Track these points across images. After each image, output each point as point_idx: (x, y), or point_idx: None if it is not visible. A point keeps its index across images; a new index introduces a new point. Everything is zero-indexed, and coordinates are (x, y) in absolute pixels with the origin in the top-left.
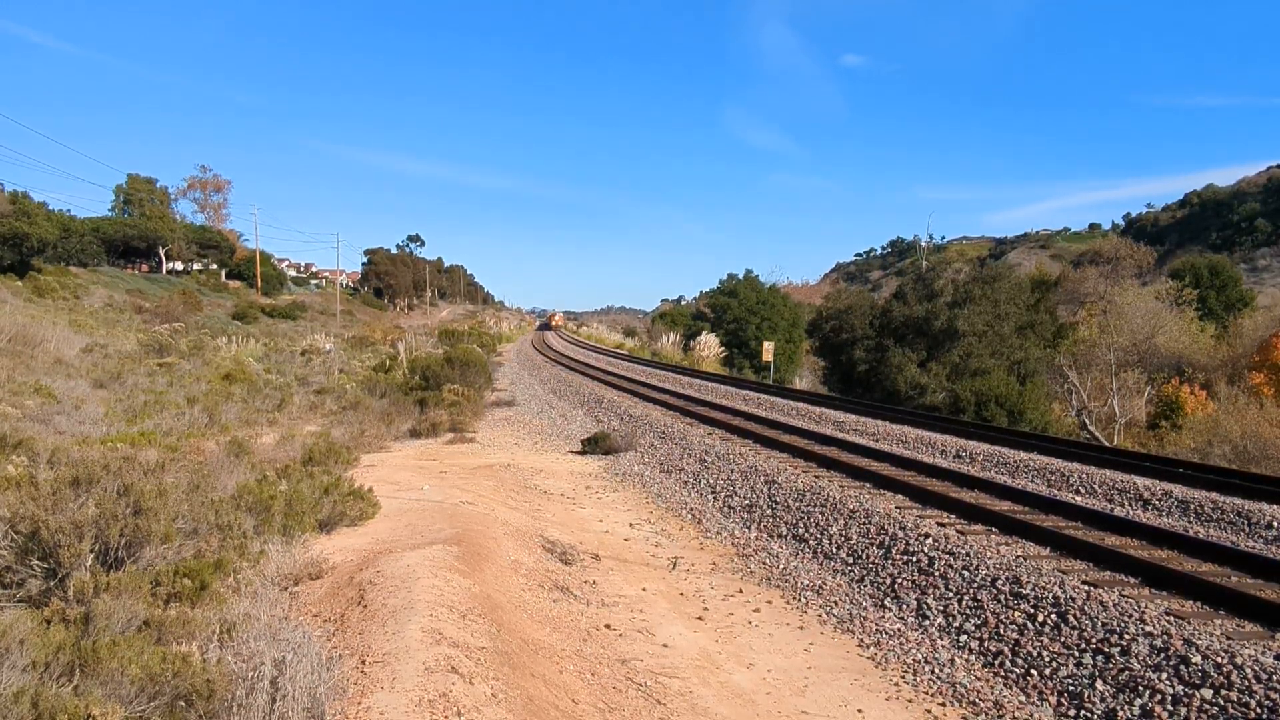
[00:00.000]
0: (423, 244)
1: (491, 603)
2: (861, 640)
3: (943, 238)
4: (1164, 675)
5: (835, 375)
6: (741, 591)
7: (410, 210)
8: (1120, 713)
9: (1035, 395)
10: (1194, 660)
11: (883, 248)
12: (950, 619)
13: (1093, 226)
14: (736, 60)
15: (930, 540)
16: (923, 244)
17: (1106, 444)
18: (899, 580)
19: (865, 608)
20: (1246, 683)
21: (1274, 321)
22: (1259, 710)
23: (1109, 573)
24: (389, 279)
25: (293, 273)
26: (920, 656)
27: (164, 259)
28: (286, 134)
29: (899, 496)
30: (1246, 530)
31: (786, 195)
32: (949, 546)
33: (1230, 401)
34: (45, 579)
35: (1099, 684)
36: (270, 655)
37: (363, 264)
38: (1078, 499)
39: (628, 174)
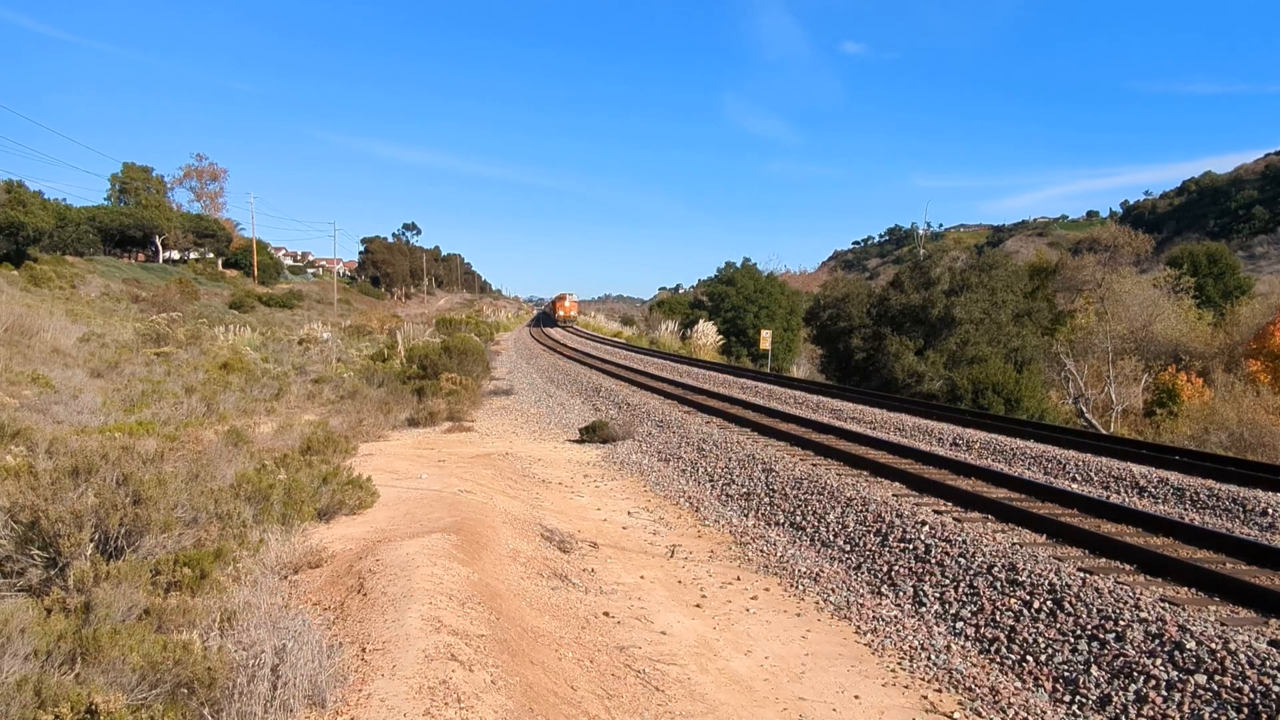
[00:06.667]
0: (419, 232)
1: (490, 591)
2: (859, 627)
3: (940, 226)
4: (1159, 661)
5: (833, 363)
6: (739, 579)
7: (407, 198)
8: (1115, 698)
9: (1032, 383)
10: (1188, 646)
11: (880, 236)
12: (946, 606)
13: (1091, 214)
14: (735, 48)
15: (927, 528)
16: (920, 232)
17: (1103, 431)
18: (896, 567)
19: (862, 595)
20: (1240, 668)
21: (1271, 309)
22: (1252, 695)
23: (1105, 560)
24: (386, 268)
25: (289, 261)
26: (917, 643)
27: (160, 248)
28: (283, 122)
29: (896, 484)
30: (1242, 517)
31: (785, 183)
32: (945, 534)
33: (1227, 389)
34: (45, 568)
35: (1094, 670)
36: (271, 643)
37: (360, 252)
38: (1074, 486)
39: (626, 162)
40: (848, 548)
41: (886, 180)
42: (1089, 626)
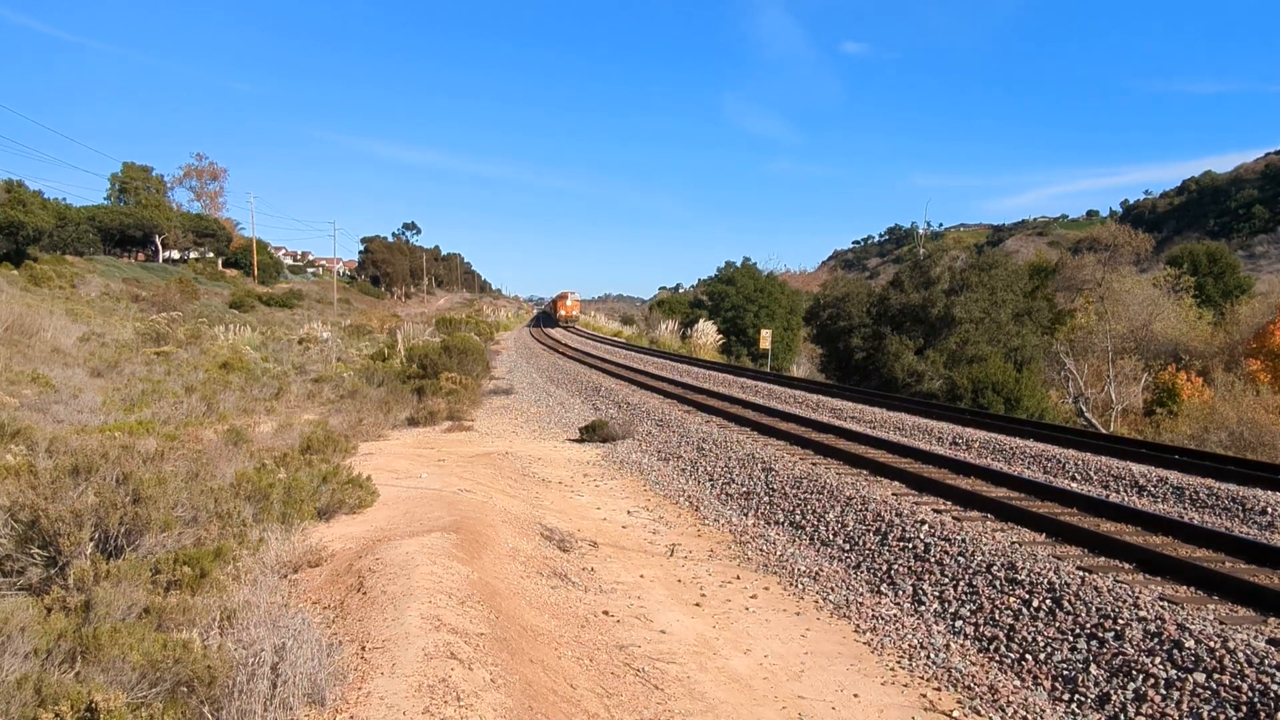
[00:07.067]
0: (419, 232)
1: (490, 589)
2: (858, 626)
3: (940, 225)
4: (1157, 660)
5: (833, 363)
6: (739, 578)
7: (407, 198)
8: (1114, 696)
9: (1032, 382)
10: (1187, 645)
11: (880, 235)
12: (946, 604)
13: (1091, 213)
14: (736, 47)
15: (926, 527)
16: (920, 231)
17: (1103, 431)
18: (895, 566)
19: (861, 594)
20: (1239, 667)
21: (1271, 308)
22: (1251, 694)
23: (1104, 558)
24: (386, 267)
25: (289, 261)
26: (916, 641)
27: (160, 247)
28: (283, 122)
29: (895, 483)
30: (1241, 516)
31: (785, 183)
32: (945, 533)
33: (1227, 388)
34: (45, 567)
35: (1093, 668)
36: (271, 642)
37: (360, 252)
38: (1073, 485)
39: (626, 162)
40: (847, 547)
41: (886, 180)
42: (1088, 625)
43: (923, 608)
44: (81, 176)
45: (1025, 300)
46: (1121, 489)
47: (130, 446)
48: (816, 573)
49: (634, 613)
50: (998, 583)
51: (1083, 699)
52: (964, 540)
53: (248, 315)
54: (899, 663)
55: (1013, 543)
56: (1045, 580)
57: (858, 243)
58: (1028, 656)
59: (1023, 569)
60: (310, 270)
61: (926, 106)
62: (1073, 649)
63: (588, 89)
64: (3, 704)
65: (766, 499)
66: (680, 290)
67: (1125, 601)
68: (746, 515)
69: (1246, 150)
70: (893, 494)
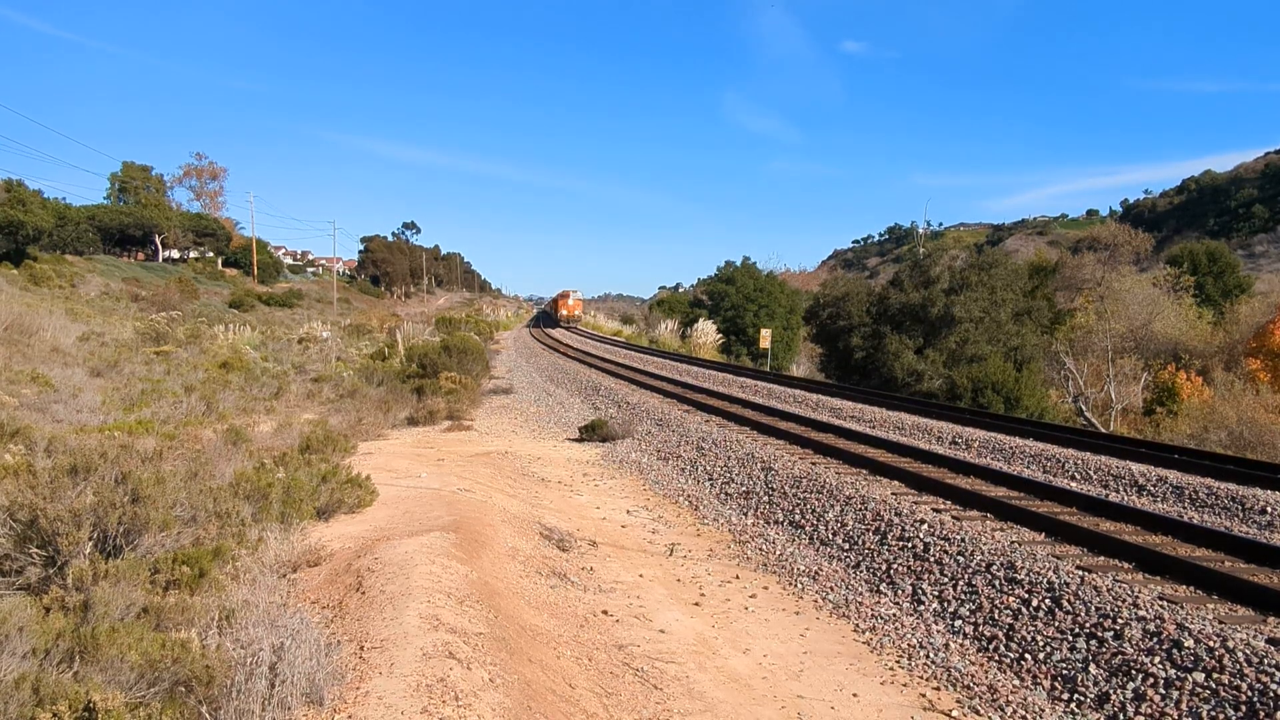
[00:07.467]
0: (419, 231)
1: (489, 589)
2: (857, 625)
3: (940, 224)
4: (1157, 659)
5: (832, 362)
6: (738, 577)
7: (407, 197)
8: (1113, 696)
9: (1032, 381)
10: (1187, 644)
11: (880, 234)
12: (945, 604)
13: (1090, 213)
14: (735, 47)
15: (926, 526)
16: (920, 230)
17: (1102, 430)
18: (895, 566)
19: (861, 593)
20: (1238, 666)
21: (1270, 308)
22: (1250, 693)
23: (1103, 558)
24: (386, 266)
25: (289, 260)
26: (915, 641)
27: (160, 247)
28: (283, 122)
29: (895, 483)
30: (1240, 516)
31: (785, 182)
32: (944, 532)
33: (1226, 388)
34: (44, 566)
35: (1092, 668)
36: (269, 641)
37: (359, 251)
38: (1073, 485)
39: (626, 161)
40: (846, 546)
41: (886, 179)
42: (1087, 625)
43: (922, 607)
44: (81, 176)
45: (1025, 300)
46: (1121, 488)
47: (129, 446)
48: (816, 572)
49: (633, 612)
50: (997, 582)
51: (1082, 698)
52: (963, 540)
53: (247, 315)
54: (898, 662)
55: (1012, 542)
56: (1044, 580)
57: (858, 242)
58: (1027, 656)
59: (1022, 568)
60: (310, 270)
61: (926, 106)
62: (1072, 648)
63: (588, 89)
64: (1, 704)
65: (766, 498)
66: (680, 290)
67: (1124, 601)
68: (746, 515)
69: (1246, 150)
70: (892, 493)
